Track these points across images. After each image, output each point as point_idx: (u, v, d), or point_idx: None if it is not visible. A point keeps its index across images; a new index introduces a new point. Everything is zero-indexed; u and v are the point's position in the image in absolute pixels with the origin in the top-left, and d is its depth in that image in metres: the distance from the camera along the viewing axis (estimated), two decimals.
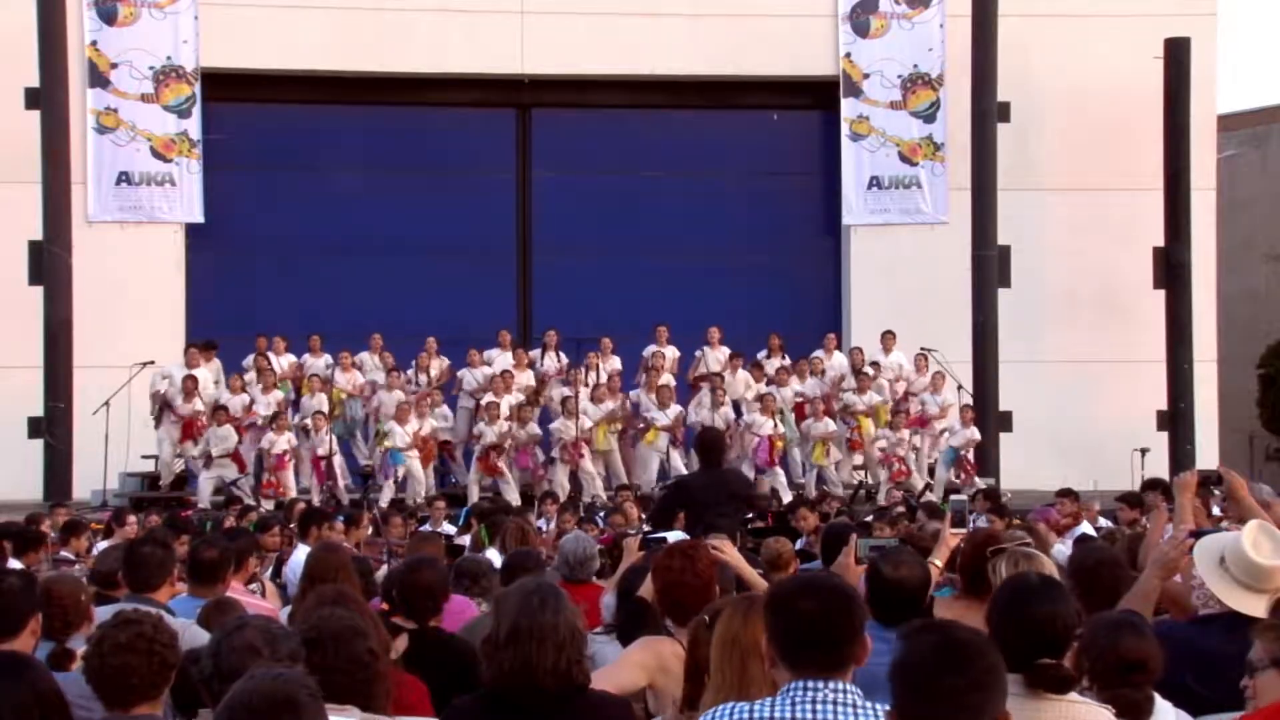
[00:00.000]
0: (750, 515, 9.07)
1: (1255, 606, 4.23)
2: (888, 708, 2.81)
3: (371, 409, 17.45)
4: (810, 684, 3.06)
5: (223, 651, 3.30)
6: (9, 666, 3.60)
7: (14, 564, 8.49)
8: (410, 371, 17.74)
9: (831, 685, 3.06)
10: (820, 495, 15.02)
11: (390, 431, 16.47)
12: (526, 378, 17.68)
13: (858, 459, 17.61)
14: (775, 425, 16.74)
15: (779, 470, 16.82)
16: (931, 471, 17.34)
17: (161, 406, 16.91)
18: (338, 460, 16.80)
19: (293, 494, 15.96)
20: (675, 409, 17.07)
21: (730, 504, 8.71)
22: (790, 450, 17.33)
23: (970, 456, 17.27)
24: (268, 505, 15.07)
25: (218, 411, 16.47)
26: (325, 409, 16.86)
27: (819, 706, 3.05)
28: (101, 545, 9.91)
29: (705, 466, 9.38)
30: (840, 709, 3.04)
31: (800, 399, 17.43)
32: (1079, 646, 3.66)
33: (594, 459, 16.88)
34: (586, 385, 17.25)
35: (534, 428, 16.90)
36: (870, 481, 17.50)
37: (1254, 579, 4.27)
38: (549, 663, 3.47)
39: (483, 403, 16.87)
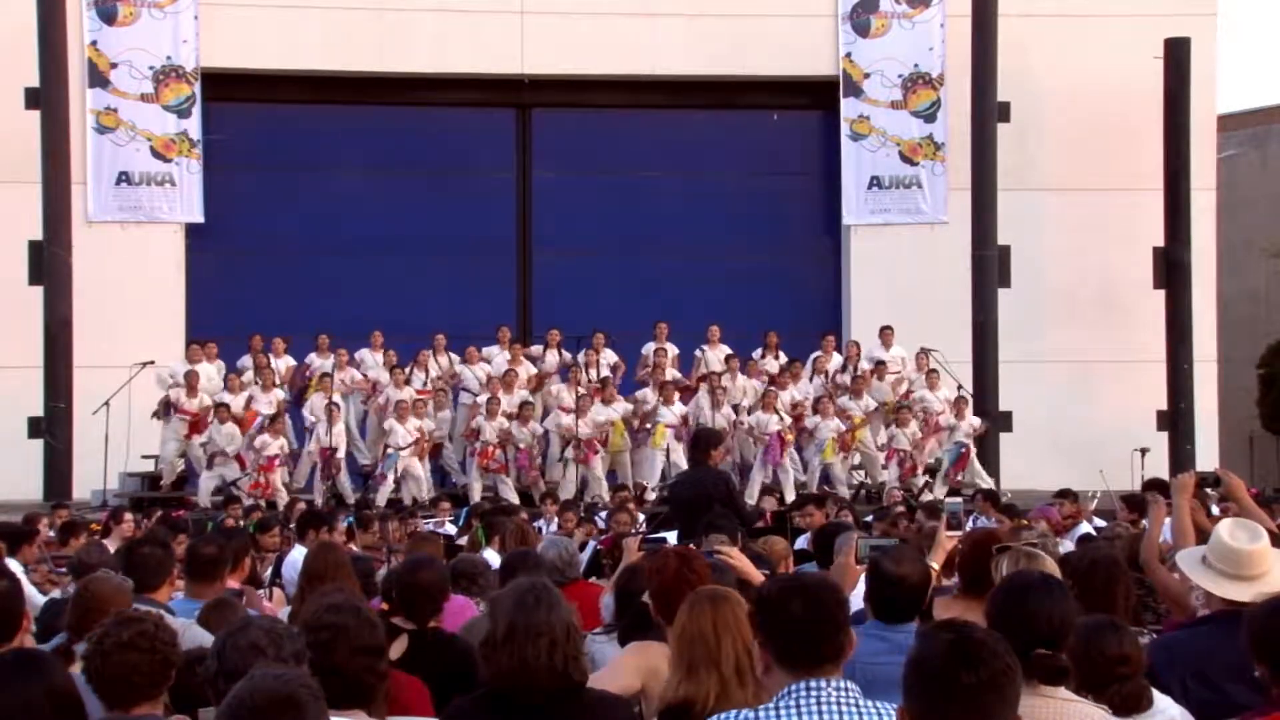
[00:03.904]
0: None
1: (1241, 593, 4.29)
2: (890, 706, 2.80)
3: (374, 407, 17.45)
4: (813, 684, 3.04)
5: (227, 651, 3.30)
6: (22, 665, 3.59)
7: (10, 562, 8.52)
8: (409, 370, 17.72)
9: (833, 684, 3.04)
10: (822, 494, 14.99)
11: (391, 429, 16.48)
12: (526, 369, 17.69)
13: (855, 458, 17.56)
14: (780, 419, 16.69)
15: (788, 467, 16.77)
16: (932, 471, 17.32)
17: (167, 405, 16.90)
18: (343, 457, 16.82)
19: (282, 496, 15.93)
20: (679, 407, 17.05)
21: (710, 505, 8.34)
22: (792, 449, 17.22)
23: (973, 446, 17.22)
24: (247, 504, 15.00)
25: (219, 409, 16.47)
26: (338, 404, 16.86)
27: (824, 707, 3.02)
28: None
29: (691, 466, 9.07)
30: (845, 709, 3.02)
31: (796, 405, 17.32)
32: (1066, 653, 3.70)
33: (600, 459, 16.85)
34: (590, 382, 17.25)
35: (536, 427, 16.89)
36: (870, 481, 17.50)
37: (1236, 566, 4.34)
38: (546, 661, 3.47)
39: (483, 400, 16.87)
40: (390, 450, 16.45)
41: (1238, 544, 4.37)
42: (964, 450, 17.10)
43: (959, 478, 17.05)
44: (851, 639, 3.14)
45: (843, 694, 3.04)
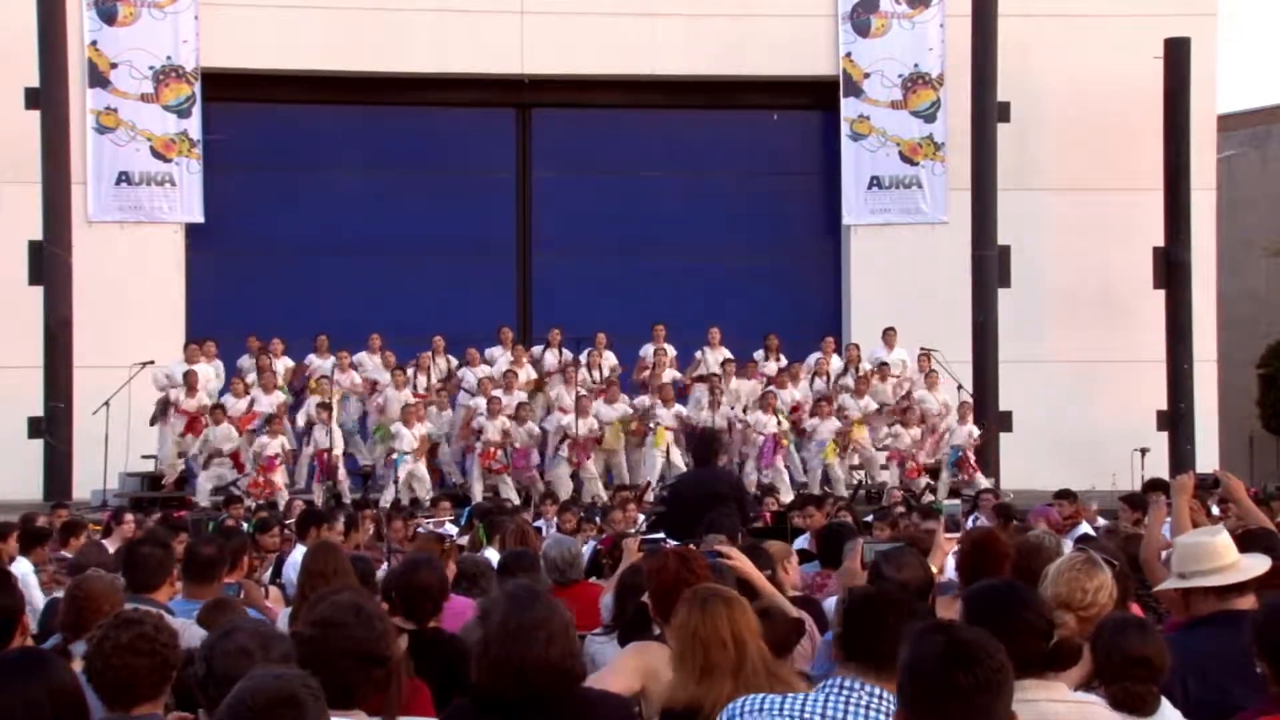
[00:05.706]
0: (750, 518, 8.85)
1: (1223, 579, 4.38)
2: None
3: (374, 406, 17.42)
4: (849, 683, 3.06)
5: (215, 655, 3.29)
6: (24, 664, 3.59)
7: (21, 561, 8.55)
8: (410, 372, 17.70)
9: (868, 689, 3.05)
10: (822, 494, 14.98)
11: (398, 434, 16.45)
12: (527, 373, 17.68)
13: (854, 459, 17.56)
14: (779, 423, 16.70)
15: (782, 469, 16.79)
16: (934, 473, 17.31)
17: (165, 405, 16.89)
18: (340, 456, 16.79)
19: (283, 496, 15.91)
20: (677, 408, 17.06)
21: (719, 503, 8.30)
22: (790, 450, 17.24)
23: (971, 454, 17.22)
24: (250, 505, 14.98)
25: (215, 410, 16.46)
26: (330, 405, 16.83)
27: (850, 706, 3.04)
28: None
29: (695, 466, 9.26)
30: (872, 713, 3.03)
31: (795, 407, 17.33)
32: (1090, 646, 3.73)
33: (595, 459, 16.86)
34: (595, 383, 17.25)
35: (533, 427, 16.88)
36: (869, 481, 17.49)
37: (1206, 561, 4.43)
38: (543, 654, 3.47)
39: (481, 401, 16.83)
40: (396, 454, 16.43)
41: (1200, 539, 4.50)
42: (961, 455, 17.06)
43: (964, 481, 17.04)
44: None
45: (875, 700, 3.04)
